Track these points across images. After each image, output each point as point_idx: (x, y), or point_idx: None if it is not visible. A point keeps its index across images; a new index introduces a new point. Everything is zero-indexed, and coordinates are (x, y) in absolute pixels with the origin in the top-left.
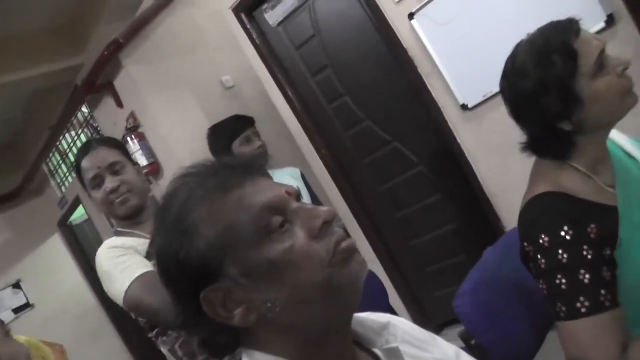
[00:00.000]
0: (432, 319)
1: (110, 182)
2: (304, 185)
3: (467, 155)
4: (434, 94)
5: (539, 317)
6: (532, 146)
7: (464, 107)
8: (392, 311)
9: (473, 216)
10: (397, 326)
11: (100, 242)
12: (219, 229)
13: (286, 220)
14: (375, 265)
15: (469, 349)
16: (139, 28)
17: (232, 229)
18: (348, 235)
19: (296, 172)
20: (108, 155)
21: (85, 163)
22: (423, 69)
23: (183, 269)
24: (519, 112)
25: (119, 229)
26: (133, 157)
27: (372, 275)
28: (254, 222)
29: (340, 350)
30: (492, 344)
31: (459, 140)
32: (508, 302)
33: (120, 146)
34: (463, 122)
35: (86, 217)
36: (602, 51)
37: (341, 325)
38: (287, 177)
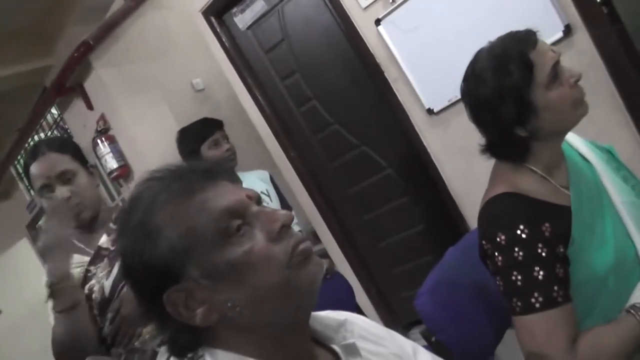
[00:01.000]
0: (400, 318)
1: (60, 193)
2: (272, 188)
3: (433, 158)
4: (400, 99)
5: (498, 314)
6: (490, 149)
7: (430, 112)
8: (360, 311)
9: (439, 217)
10: (353, 323)
11: None
12: (181, 231)
13: (246, 223)
14: (344, 266)
15: (430, 346)
16: (108, 30)
17: (194, 231)
18: (307, 238)
19: (265, 174)
20: (58, 162)
21: (33, 169)
22: (389, 74)
23: (146, 270)
24: (477, 117)
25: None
26: (103, 159)
27: (339, 276)
28: (215, 225)
29: (299, 347)
30: (452, 341)
31: (425, 144)
32: (468, 300)
33: (72, 150)
34: (429, 126)
35: None
36: (557, 62)
37: (299, 323)
38: (255, 179)
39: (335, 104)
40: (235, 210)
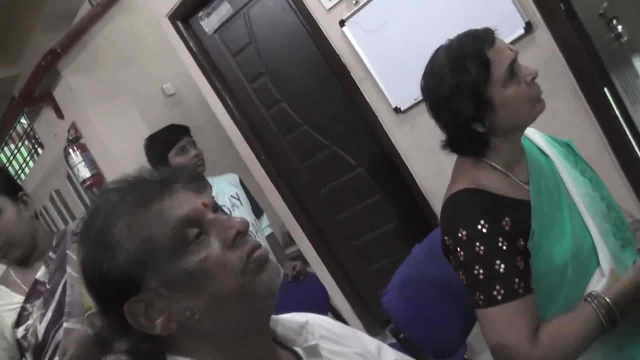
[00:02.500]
0: (376, 315)
1: None
2: (242, 191)
3: (402, 156)
4: (367, 98)
5: (465, 308)
6: (450, 144)
7: (397, 110)
8: (334, 311)
9: (411, 214)
10: (314, 325)
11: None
12: (139, 242)
13: (202, 231)
14: (318, 266)
15: (399, 342)
16: (76, 36)
17: (151, 242)
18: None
19: (235, 178)
20: None
21: None
22: (356, 74)
23: (106, 282)
24: (436, 112)
25: (7, 271)
26: (75, 169)
27: (312, 277)
28: (171, 234)
29: (259, 351)
30: (420, 336)
31: (393, 142)
32: (434, 296)
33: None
34: (396, 124)
35: None
36: (514, 60)
37: (259, 327)
38: (225, 183)
39: (304, 105)
40: (191, 219)
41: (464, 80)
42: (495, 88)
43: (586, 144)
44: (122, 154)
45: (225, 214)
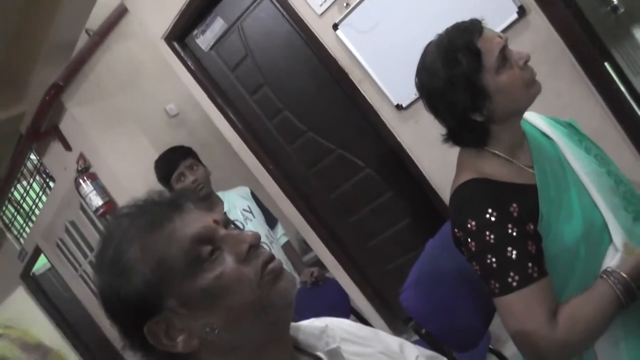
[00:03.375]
0: (398, 313)
1: None
2: (254, 204)
3: (408, 152)
4: (368, 98)
5: (483, 298)
6: (451, 137)
7: (399, 107)
8: (356, 313)
9: (423, 209)
10: (334, 328)
11: (67, 289)
12: (153, 265)
13: (215, 248)
14: (337, 270)
15: (421, 338)
16: (77, 68)
17: (165, 263)
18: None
19: (245, 191)
20: None
21: None
22: (354, 76)
23: (124, 306)
24: (433, 107)
25: None
26: (87, 198)
27: (332, 282)
28: (185, 254)
29: (280, 358)
30: (440, 331)
31: (398, 139)
32: (451, 288)
33: None
34: (400, 121)
35: (49, 265)
36: (504, 47)
37: (278, 337)
38: (237, 197)
39: (306, 112)
40: (203, 237)
41: (456, 73)
42: (488, 76)
43: (591, 121)
44: (132, 179)
45: (238, 228)
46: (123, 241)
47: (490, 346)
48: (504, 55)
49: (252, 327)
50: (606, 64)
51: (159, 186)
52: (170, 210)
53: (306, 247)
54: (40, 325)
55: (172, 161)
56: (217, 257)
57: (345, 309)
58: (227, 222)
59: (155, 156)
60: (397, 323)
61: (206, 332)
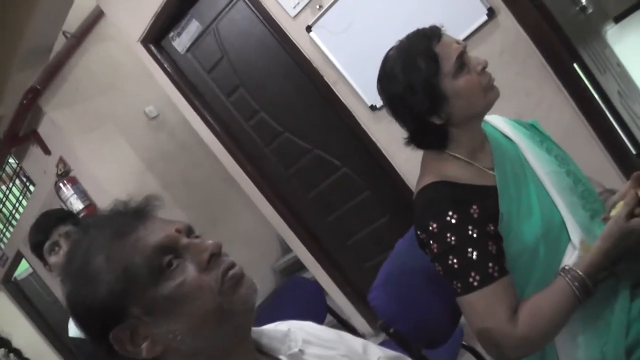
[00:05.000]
0: None
1: None
2: None
3: (383, 152)
4: (342, 99)
5: (450, 298)
6: (413, 140)
7: (373, 108)
8: (332, 312)
9: (400, 207)
10: (296, 332)
11: (50, 293)
12: (118, 273)
13: (177, 256)
14: (317, 269)
15: (389, 337)
16: (54, 71)
17: (129, 272)
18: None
19: None
20: None
21: None
22: (328, 77)
23: (90, 313)
24: (394, 111)
25: None
26: (68, 202)
27: (305, 281)
28: (148, 263)
29: None
30: (409, 329)
31: (373, 139)
32: (419, 287)
33: None
34: (374, 121)
35: (31, 270)
36: (462, 53)
37: (240, 341)
38: None
39: (283, 113)
40: (166, 246)
41: (415, 77)
42: (446, 81)
43: (561, 119)
44: (112, 182)
45: (198, 236)
46: (89, 251)
47: (464, 342)
48: (462, 61)
49: (215, 332)
50: (575, 64)
51: (139, 189)
52: (135, 219)
53: (286, 248)
54: (22, 330)
55: (44, 228)
56: (179, 266)
57: (321, 309)
58: (190, 231)
59: (136, 158)
60: (375, 321)
61: (169, 339)
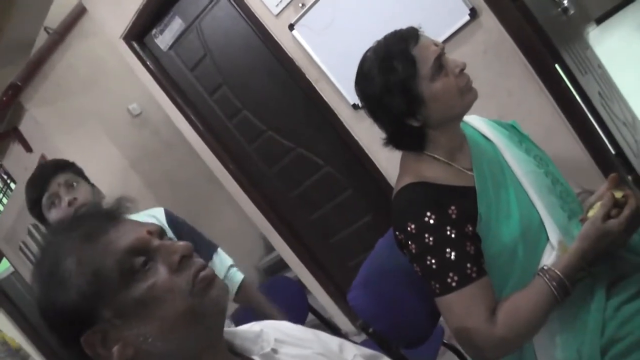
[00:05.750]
0: None
1: None
2: (167, 225)
3: (366, 150)
4: (325, 98)
5: (429, 298)
6: (391, 141)
7: (355, 107)
8: (313, 310)
9: (383, 206)
10: (269, 332)
11: (31, 292)
12: (89, 276)
13: (148, 259)
14: (300, 268)
15: (368, 336)
16: (36, 68)
17: (100, 274)
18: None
19: (159, 212)
20: None
21: None
22: (311, 76)
23: (61, 317)
24: (372, 113)
25: None
26: None
27: (286, 280)
28: (119, 265)
29: None
30: (388, 329)
31: (356, 138)
32: (399, 288)
33: None
34: (356, 120)
35: (12, 269)
36: (440, 55)
37: (212, 342)
38: (146, 219)
39: (265, 112)
40: (137, 248)
41: (392, 79)
42: (423, 83)
43: (543, 119)
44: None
45: (171, 239)
46: (59, 254)
47: (445, 340)
48: (440, 63)
49: (186, 334)
50: (557, 65)
51: (122, 187)
52: (106, 222)
53: (269, 247)
54: (4, 330)
55: (40, 180)
56: (150, 268)
57: (302, 308)
58: (162, 233)
59: (119, 156)
60: (358, 320)
61: (140, 342)
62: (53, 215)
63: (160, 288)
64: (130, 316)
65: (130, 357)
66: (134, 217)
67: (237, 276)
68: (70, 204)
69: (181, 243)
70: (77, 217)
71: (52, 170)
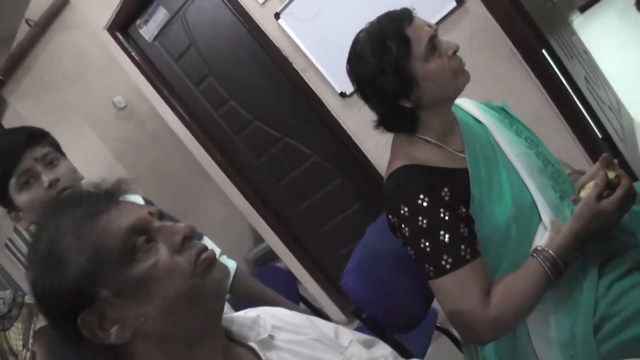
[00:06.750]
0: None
1: None
2: None
3: (353, 139)
4: (312, 87)
5: (421, 282)
6: (382, 123)
7: (342, 95)
8: (305, 301)
9: (372, 194)
10: (266, 318)
11: (19, 289)
12: (88, 254)
13: (149, 239)
14: (289, 258)
15: (362, 322)
16: (18, 61)
17: (101, 253)
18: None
19: (136, 199)
20: None
21: None
22: (297, 65)
23: (58, 297)
24: (364, 94)
25: None
26: None
27: (276, 269)
28: (120, 244)
29: (213, 349)
30: (381, 314)
31: (343, 126)
32: (391, 272)
33: None
34: (344, 108)
35: None
36: (433, 36)
37: (211, 326)
38: None
39: (252, 102)
40: (138, 227)
41: (385, 59)
42: (417, 63)
43: (531, 104)
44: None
45: (173, 219)
46: (58, 231)
47: (438, 324)
48: (433, 44)
49: (186, 316)
50: (544, 50)
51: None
52: (107, 201)
53: (258, 238)
54: None
55: (10, 150)
56: (151, 247)
57: (293, 298)
58: (162, 215)
59: (105, 150)
60: (348, 308)
61: (140, 322)
62: (24, 197)
63: (162, 268)
64: (129, 296)
65: (128, 339)
66: None
67: (230, 263)
68: (51, 185)
69: (183, 224)
70: (76, 195)
71: (25, 140)
